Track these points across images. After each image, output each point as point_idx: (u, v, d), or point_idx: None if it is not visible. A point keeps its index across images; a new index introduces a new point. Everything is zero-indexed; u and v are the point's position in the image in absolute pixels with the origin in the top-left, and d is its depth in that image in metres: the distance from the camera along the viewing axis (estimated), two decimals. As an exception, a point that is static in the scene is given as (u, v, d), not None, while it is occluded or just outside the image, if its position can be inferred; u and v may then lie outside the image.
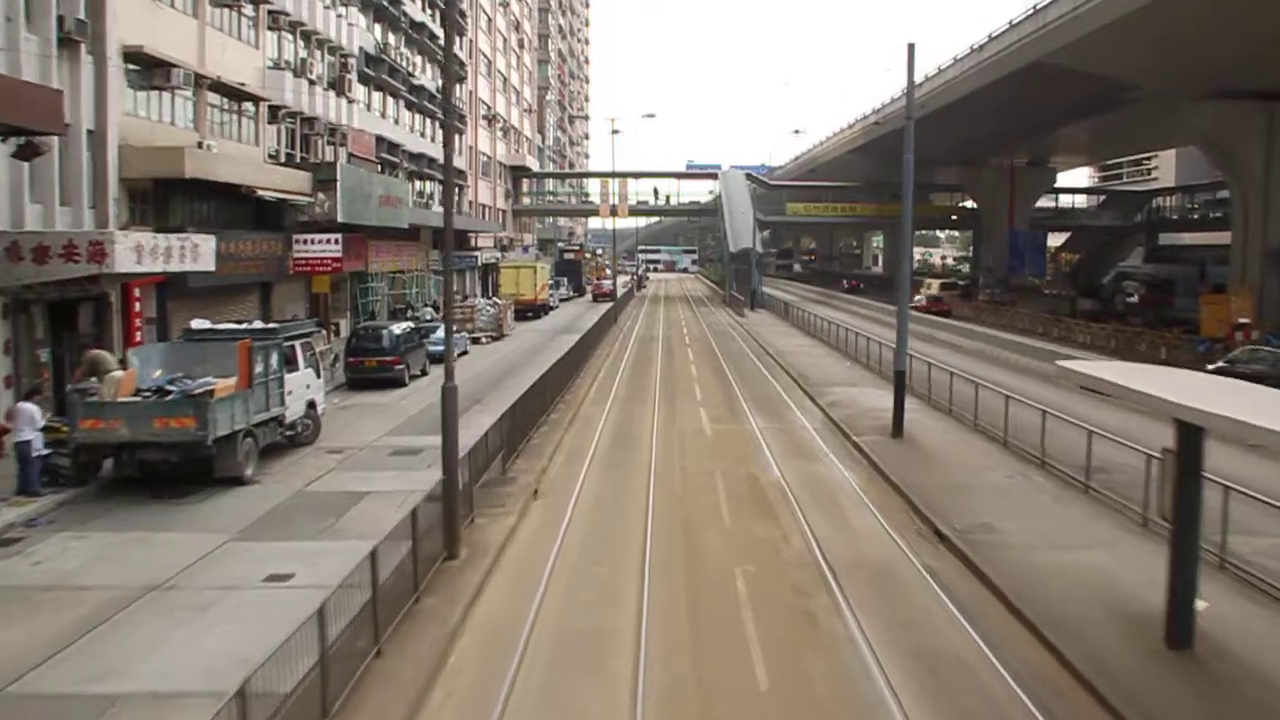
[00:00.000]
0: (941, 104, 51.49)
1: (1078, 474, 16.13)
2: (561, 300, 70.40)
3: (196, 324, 19.18)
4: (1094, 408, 21.32)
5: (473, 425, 17.90)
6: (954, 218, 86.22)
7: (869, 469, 18.00)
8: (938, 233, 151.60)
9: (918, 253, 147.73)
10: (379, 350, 26.36)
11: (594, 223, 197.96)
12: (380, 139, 39.45)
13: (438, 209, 51.53)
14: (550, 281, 61.93)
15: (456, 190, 56.50)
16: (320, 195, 28.86)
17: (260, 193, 26.63)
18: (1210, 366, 25.97)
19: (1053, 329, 45.71)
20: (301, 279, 30.84)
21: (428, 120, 49.37)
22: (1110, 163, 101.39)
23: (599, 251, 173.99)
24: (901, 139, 20.64)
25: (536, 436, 19.96)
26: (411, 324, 30.69)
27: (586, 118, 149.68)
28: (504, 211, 73.01)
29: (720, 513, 15.16)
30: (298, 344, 18.87)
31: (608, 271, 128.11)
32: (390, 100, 42.77)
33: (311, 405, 19.26)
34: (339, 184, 28.90)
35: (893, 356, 22.17)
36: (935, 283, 65.92)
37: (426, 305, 44.43)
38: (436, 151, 50.81)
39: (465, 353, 35.35)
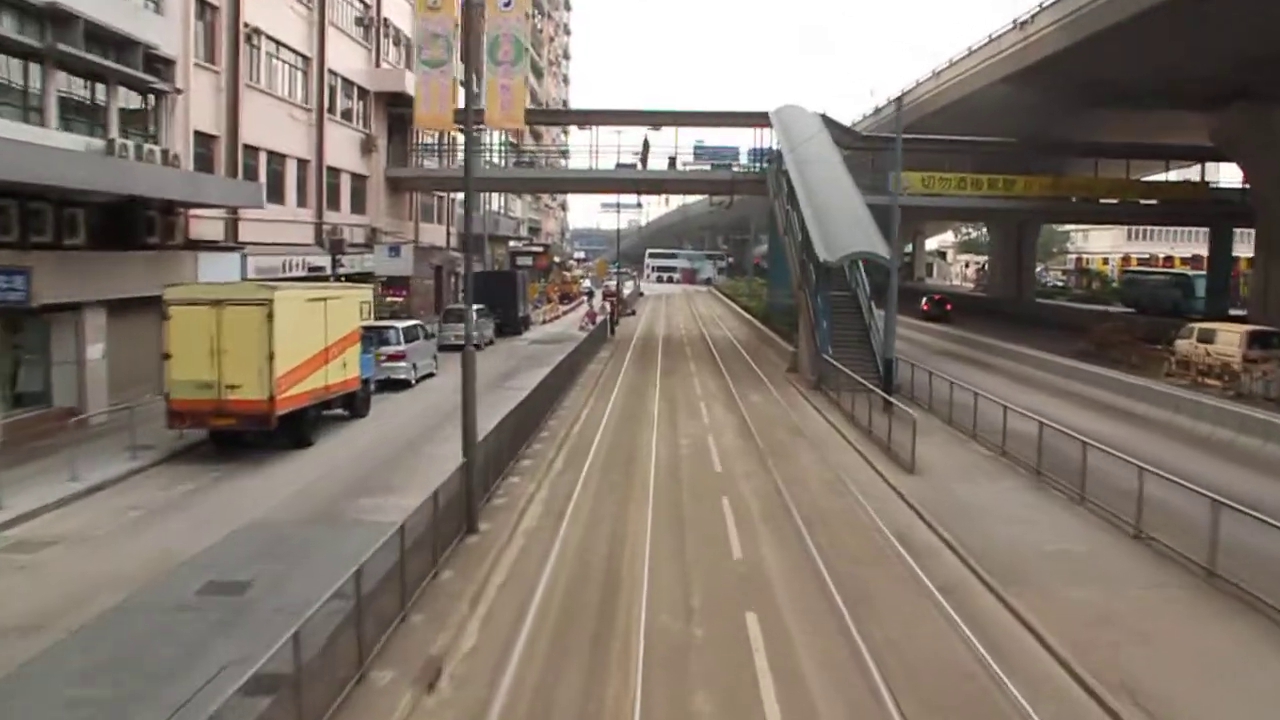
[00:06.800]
0: None
1: None
2: (482, 345, 35.57)
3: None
4: None
5: None
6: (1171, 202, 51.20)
7: None
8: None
9: (976, 261, 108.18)
10: None
11: (577, 219, 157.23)
12: None
13: (53, 134, 16.61)
14: (397, 330, 26.75)
15: (155, 100, 21.93)
16: None
17: None
18: None
19: None
20: None
21: None
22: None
23: (580, 257, 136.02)
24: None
25: None
26: None
27: (566, 80, 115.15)
28: (362, 177, 38.39)
29: None
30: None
31: (585, 283, 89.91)
32: None
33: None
34: None
35: None
36: (1239, 334, 30.96)
37: None
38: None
39: None
